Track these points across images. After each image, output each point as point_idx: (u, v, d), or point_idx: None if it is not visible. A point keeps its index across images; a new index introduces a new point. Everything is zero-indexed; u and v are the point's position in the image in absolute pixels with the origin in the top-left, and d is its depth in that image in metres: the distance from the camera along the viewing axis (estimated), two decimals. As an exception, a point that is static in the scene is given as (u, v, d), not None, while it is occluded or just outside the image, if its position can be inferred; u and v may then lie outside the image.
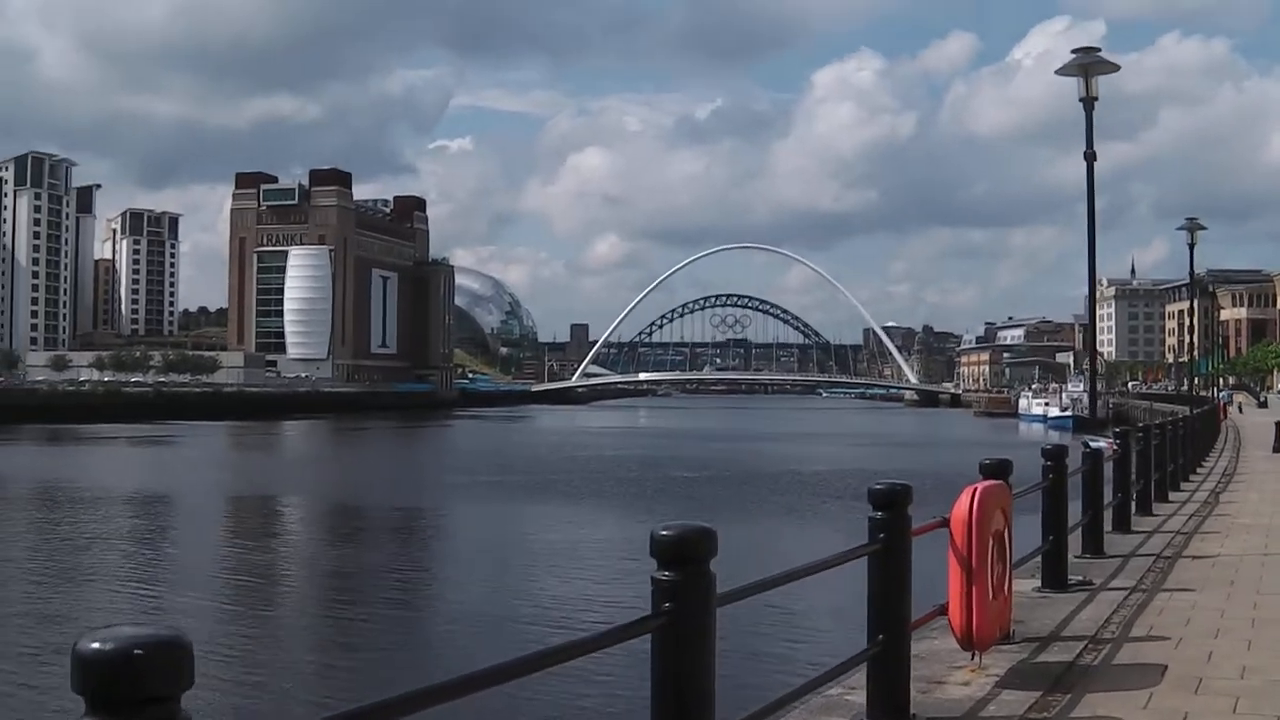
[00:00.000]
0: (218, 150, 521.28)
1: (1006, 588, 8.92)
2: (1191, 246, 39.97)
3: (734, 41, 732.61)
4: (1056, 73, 15.84)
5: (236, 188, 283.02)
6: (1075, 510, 14.97)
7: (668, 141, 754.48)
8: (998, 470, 9.65)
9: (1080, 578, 12.93)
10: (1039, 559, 12.47)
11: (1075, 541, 15.07)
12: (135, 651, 2.57)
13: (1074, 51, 15.93)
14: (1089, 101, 16.02)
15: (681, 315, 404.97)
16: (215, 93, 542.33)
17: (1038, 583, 12.50)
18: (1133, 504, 19.00)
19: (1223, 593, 12.53)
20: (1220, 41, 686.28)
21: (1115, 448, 16.80)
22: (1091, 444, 15.25)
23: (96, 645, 2.58)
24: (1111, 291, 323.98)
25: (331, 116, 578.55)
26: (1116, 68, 16.00)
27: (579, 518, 49.32)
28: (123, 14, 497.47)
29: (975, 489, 8.36)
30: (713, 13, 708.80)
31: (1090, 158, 15.97)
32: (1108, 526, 17.31)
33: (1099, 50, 15.82)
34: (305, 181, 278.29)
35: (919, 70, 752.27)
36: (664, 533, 4.77)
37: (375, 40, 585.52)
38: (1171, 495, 23.83)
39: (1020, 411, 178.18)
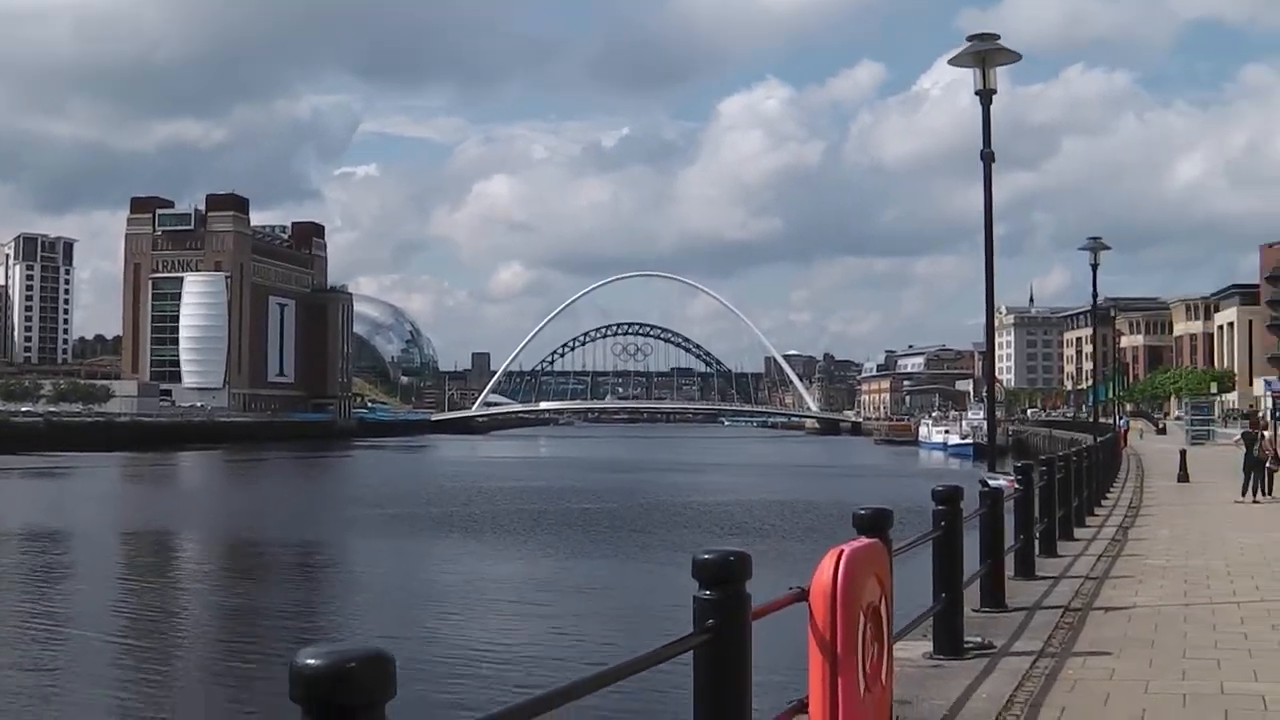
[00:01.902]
0: (122, 175, 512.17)
1: (884, 673, 7.07)
2: (1094, 266, 38.80)
3: (643, 70, 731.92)
4: (950, 62, 14.12)
5: (131, 212, 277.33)
6: (972, 555, 13.27)
7: (575, 169, 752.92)
8: (873, 524, 7.87)
9: (979, 639, 11.16)
10: (930, 619, 10.69)
11: (974, 592, 13.36)
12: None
13: (970, 39, 14.19)
14: (986, 94, 14.31)
15: (583, 344, 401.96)
16: (119, 115, 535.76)
17: (929, 646, 10.72)
18: (1036, 545, 17.32)
19: (1144, 657, 10.80)
20: (1123, 74, 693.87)
21: (1016, 485, 15.07)
22: (990, 482, 13.48)
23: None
24: (1010, 319, 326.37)
25: (238, 141, 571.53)
26: (1017, 56, 14.36)
27: (482, 554, 47.85)
28: (22, 32, 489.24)
29: (841, 553, 6.54)
30: (622, 42, 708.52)
31: (988, 158, 14.26)
32: (1009, 572, 15.62)
33: (997, 37, 14.06)
34: (202, 207, 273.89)
35: (827, 99, 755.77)
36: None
37: (282, 64, 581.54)
38: (1077, 532, 22.26)
39: (921, 439, 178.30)
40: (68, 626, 31.84)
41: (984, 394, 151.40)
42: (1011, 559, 15.88)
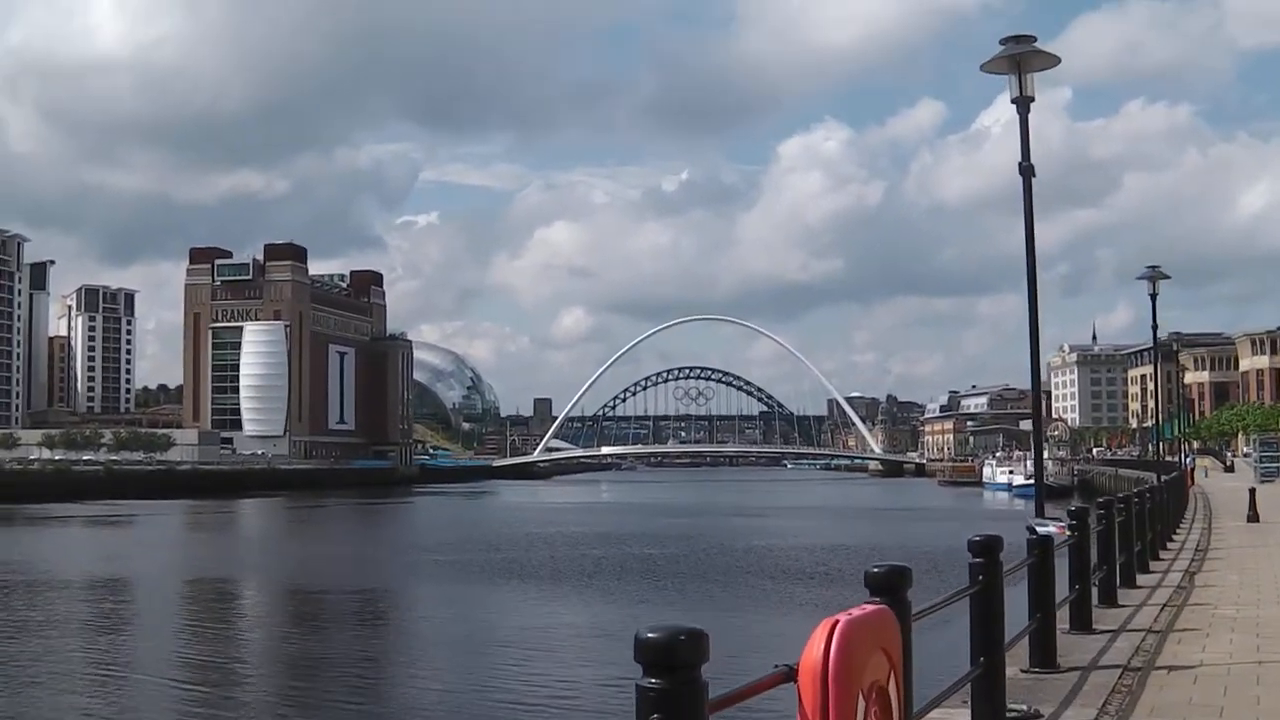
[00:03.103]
0: (186, 226, 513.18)
1: (896, 767, 5.90)
2: (1153, 296, 37.41)
3: (700, 113, 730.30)
4: (982, 68, 12.93)
5: (190, 263, 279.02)
6: (1022, 608, 12.02)
7: (635, 214, 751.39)
8: (887, 585, 6.73)
9: (1024, 708, 9.93)
10: (969, 685, 9.46)
11: (1023, 649, 12.09)
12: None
13: (1003, 42, 13.01)
14: (1023, 101, 13.14)
15: (645, 388, 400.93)
16: (181, 167, 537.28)
17: (967, 717, 9.49)
18: (1094, 594, 16.04)
19: (1211, 728, 9.54)
20: (1185, 107, 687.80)
21: (1067, 531, 13.79)
22: (1039, 529, 12.20)
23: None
24: (1074, 357, 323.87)
25: (300, 191, 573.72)
26: (1055, 60, 13.19)
27: (543, 601, 47.47)
28: (85, 85, 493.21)
29: (836, 624, 5.38)
30: (679, 85, 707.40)
31: (1027, 172, 13.07)
32: (1063, 625, 14.33)
33: (1034, 39, 12.88)
34: (260, 256, 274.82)
35: (886, 139, 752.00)
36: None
37: (343, 113, 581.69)
38: (1140, 579, 20.88)
39: (985, 480, 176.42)
40: (131, 672, 31.99)
41: (1048, 433, 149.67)
42: (1067, 610, 14.64)
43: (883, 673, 5.70)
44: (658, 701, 4.27)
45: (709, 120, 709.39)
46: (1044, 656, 12.06)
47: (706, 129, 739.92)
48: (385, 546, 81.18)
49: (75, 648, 35.92)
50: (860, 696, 5.40)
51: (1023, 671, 11.86)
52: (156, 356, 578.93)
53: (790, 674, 5.35)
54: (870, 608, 5.84)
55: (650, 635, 4.30)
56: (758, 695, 5.29)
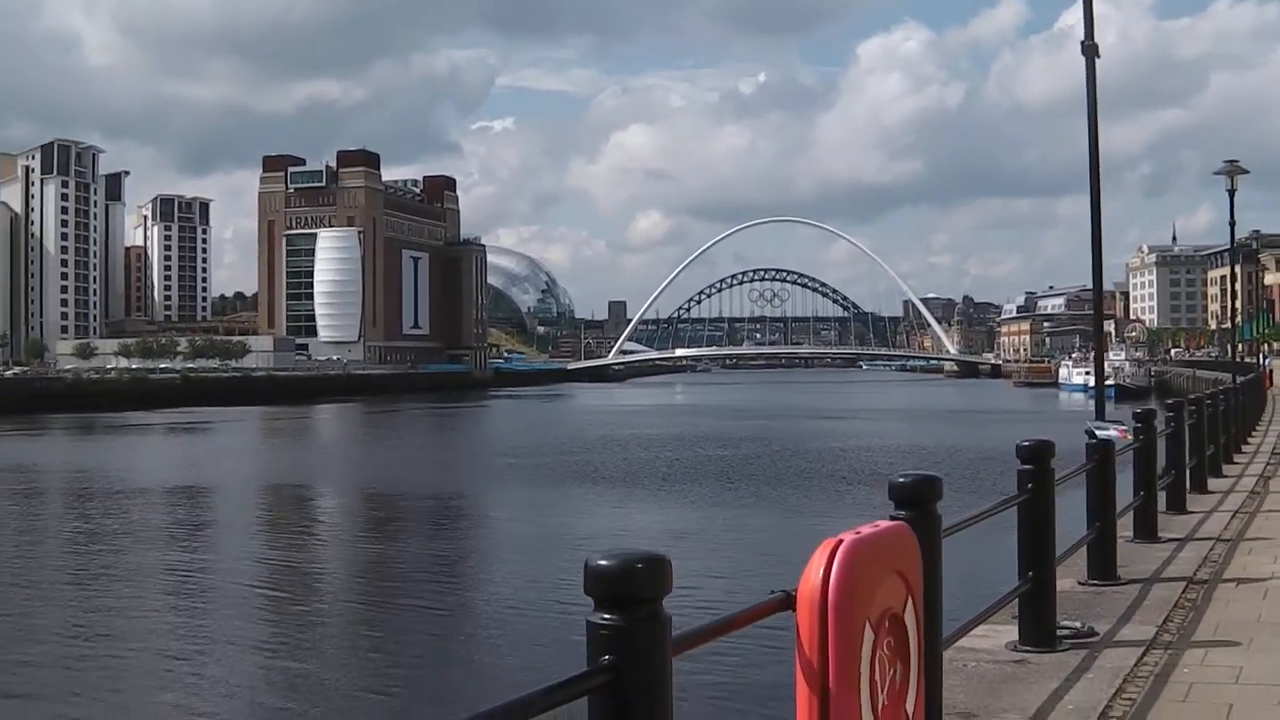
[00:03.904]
0: (263, 135, 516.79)
1: (915, 700, 5.22)
2: (1231, 193, 36.17)
3: (778, 14, 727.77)
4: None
5: (264, 171, 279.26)
6: (1082, 520, 11.34)
7: (713, 117, 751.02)
8: (912, 496, 6.08)
9: (1077, 624, 9.24)
10: (1016, 601, 8.80)
11: (1080, 560, 11.40)
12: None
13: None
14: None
15: (719, 290, 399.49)
16: (258, 77, 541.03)
17: (1014, 634, 8.84)
18: (1161, 501, 15.30)
19: None
20: (1274, 4, 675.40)
21: (1128, 435, 13.03)
22: (1098, 433, 11.47)
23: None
24: (1153, 258, 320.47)
25: (376, 98, 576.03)
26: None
27: (616, 503, 47.39)
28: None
29: (838, 545, 4.71)
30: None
31: (1090, 50, 12.23)
32: (1127, 533, 13.61)
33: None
34: (333, 164, 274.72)
35: (967, 39, 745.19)
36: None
37: (419, 19, 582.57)
38: (1211, 483, 20.07)
39: (1060, 381, 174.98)
40: (207, 579, 32.14)
41: (1127, 333, 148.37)
42: (1132, 517, 13.91)
43: (898, 599, 5.06)
44: (611, 641, 3.67)
45: (786, 21, 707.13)
46: (1103, 568, 11.38)
47: (784, 30, 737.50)
48: (460, 450, 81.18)
49: (152, 557, 35.75)
50: (868, 626, 4.76)
51: (1080, 584, 11.21)
52: (234, 265, 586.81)
53: (788, 600, 4.73)
54: (884, 525, 5.16)
55: (601, 564, 3.70)
56: (754, 623, 4.71)
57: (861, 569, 4.72)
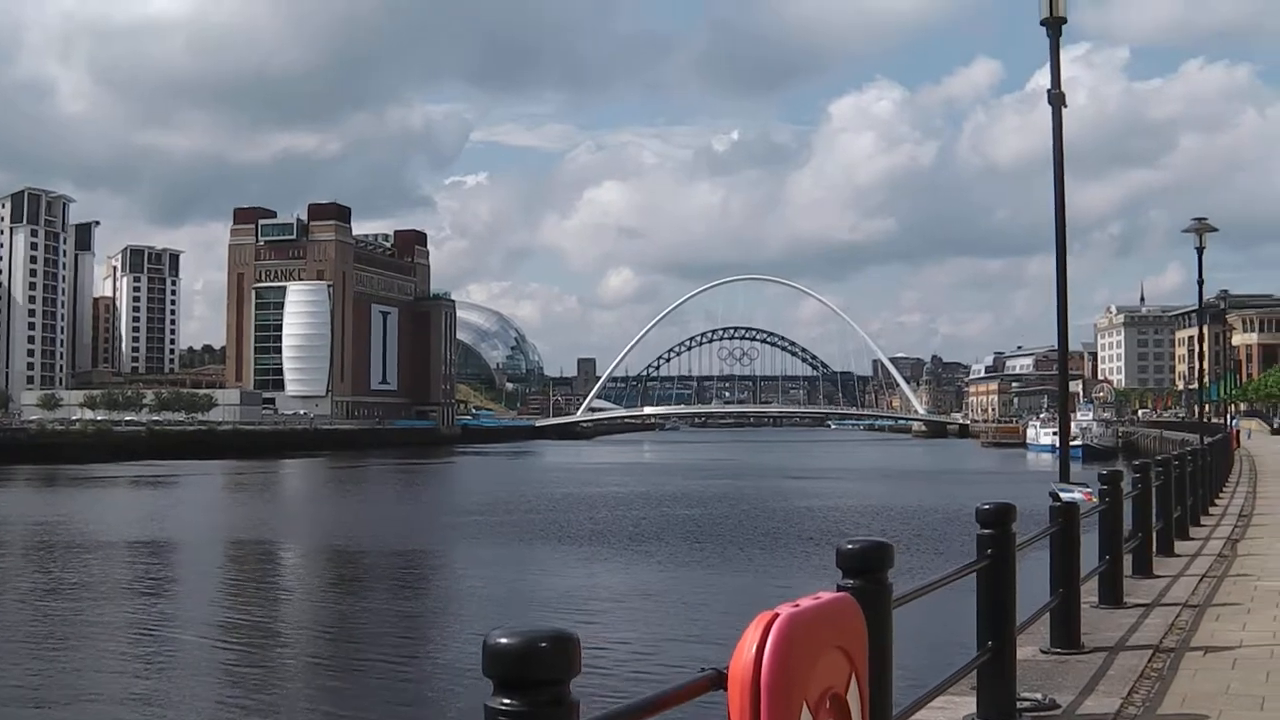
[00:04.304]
0: (238, 186, 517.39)
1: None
2: (1199, 250, 36.08)
3: (752, 72, 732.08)
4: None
5: (234, 223, 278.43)
6: (1045, 585, 10.97)
7: (686, 174, 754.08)
8: (861, 563, 5.71)
9: (1038, 696, 8.86)
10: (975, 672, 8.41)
11: (1044, 628, 11.03)
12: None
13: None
14: (1054, 23, 11.97)
15: (690, 348, 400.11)
16: (235, 127, 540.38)
17: (973, 707, 8.44)
18: (1126, 565, 14.95)
19: (1250, 722, 8.45)
20: (1245, 67, 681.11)
21: (1095, 498, 12.66)
22: (1062, 495, 11.10)
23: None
24: (1121, 318, 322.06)
25: (352, 150, 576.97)
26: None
27: (582, 562, 47.28)
28: (139, 47, 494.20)
29: (773, 620, 4.33)
30: (731, 43, 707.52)
31: (1057, 100, 11.95)
32: (1092, 598, 13.25)
33: None
34: (304, 216, 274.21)
35: (940, 98, 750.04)
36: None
37: (396, 72, 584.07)
38: (1179, 545, 19.75)
39: (1028, 441, 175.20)
40: (169, 634, 31.91)
41: (1094, 395, 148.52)
42: (1095, 582, 13.55)
43: (839, 676, 4.67)
44: (513, 724, 3.26)
45: (760, 79, 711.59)
46: (1066, 636, 10.98)
47: (758, 88, 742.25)
48: (426, 507, 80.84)
49: (114, 610, 35.62)
50: (805, 708, 4.38)
51: (1043, 652, 10.82)
52: (205, 318, 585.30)
53: (719, 679, 4.34)
54: (826, 596, 4.78)
55: (501, 643, 3.30)
56: (682, 705, 4.32)
57: (799, 645, 4.34)
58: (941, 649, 10.88)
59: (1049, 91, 11.99)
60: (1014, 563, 8.44)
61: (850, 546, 5.76)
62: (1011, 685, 8.45)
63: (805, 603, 4.57)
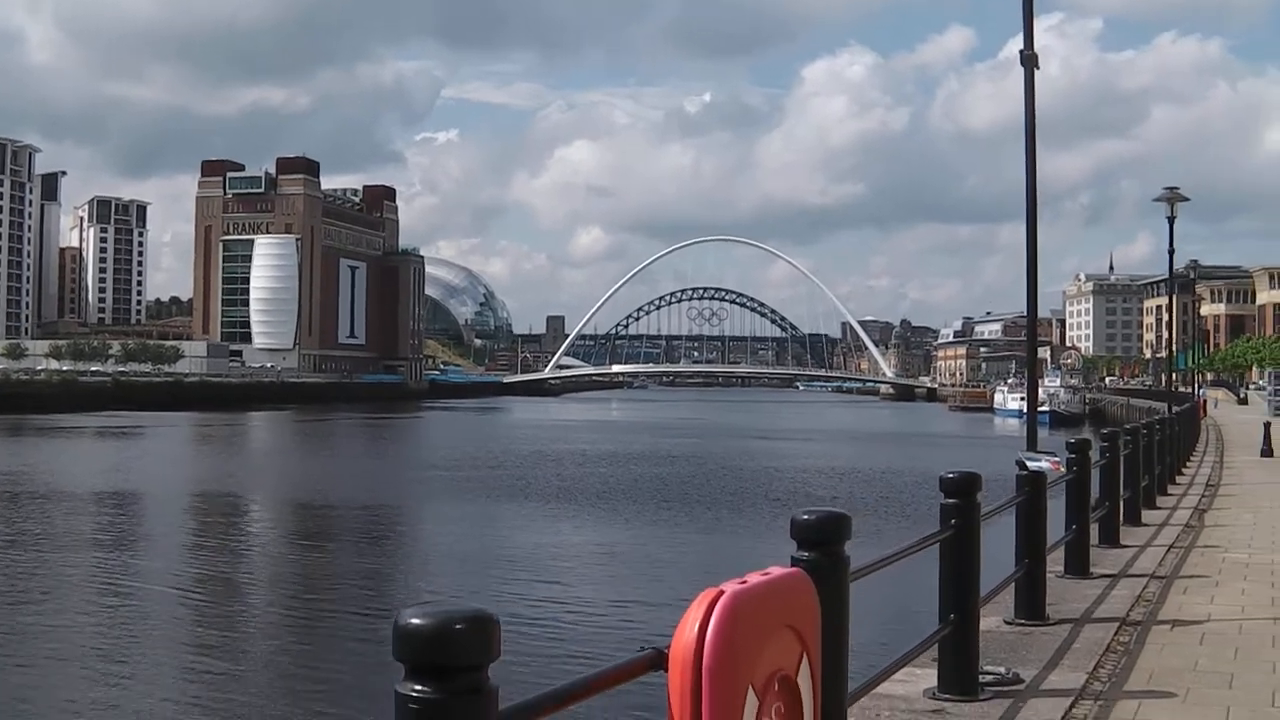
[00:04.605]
0: (206, 139, 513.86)
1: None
2: (1171, 220, 35.85)
3: (724, 35, 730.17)
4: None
5: (202, 175, 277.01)
6: (1010, 555, 10.69)
7: (657, 135, 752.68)
8: (816, 535, 5.41)
9: (1001, 670, 8.57)
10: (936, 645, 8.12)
11: (1008, 599, 10.74)
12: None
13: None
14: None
15: (659, 308, 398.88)
16: (203, 81, 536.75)
17: (934, 680, 8.15)
18: (1093, 534, 14.69)
19: (1219, 700, 8.15)
20: (1217, 41, 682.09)
21: (1063, 467, 12.38)
22: (1030, 464, 10.81)
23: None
24: (1090, 286, 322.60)
25: (321, 106, 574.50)
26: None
27: (548, 520, 46.73)
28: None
29: (717, 598, 4.01)
30: (703, 6, 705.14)
31: (1030, 61, 11.62)
32: (1058, 567, 12.98)
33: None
34: (272, 170, 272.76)
35: (914, 65, 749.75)
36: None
37: (366, 28, 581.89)
38: (1146, 515, 19.52)
39: (995, 406, 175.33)
40: (132, 586, 31.66)
41: (1061, 361, 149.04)
42: (1063, 553, 13.29)
43: (789, 658, 4.35)
44: (423, 718, 2.97)
45: (733, 42, 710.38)
46: (1031, 607, 10.69)
47: (730, 51, 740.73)
48: (392, 462, 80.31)
49: (76, 562, 35.17)
50: (751, 690, 4.06)
51: (1007, 623, 10.54)
52: (172, 270, 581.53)
53: (659, 659, 4.02)
54: (776, 572, 4.44)
55: (412, 623, 2.97)
56: (619, 687, 4.02)
57: (745, 625, 4.02)
58: (904, 619, 10.61)
59: (1021, 52, 11.68)
60: (978, 533, 8.15)
61: (805, 517, 5.45)
62: (974, 659, 8.18)
63: (753, 579, 4.24)
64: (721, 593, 4.01)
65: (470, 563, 36.60)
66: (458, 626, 3.01)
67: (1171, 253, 38.16)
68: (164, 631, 26.15)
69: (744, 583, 4.16)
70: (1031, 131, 11.59)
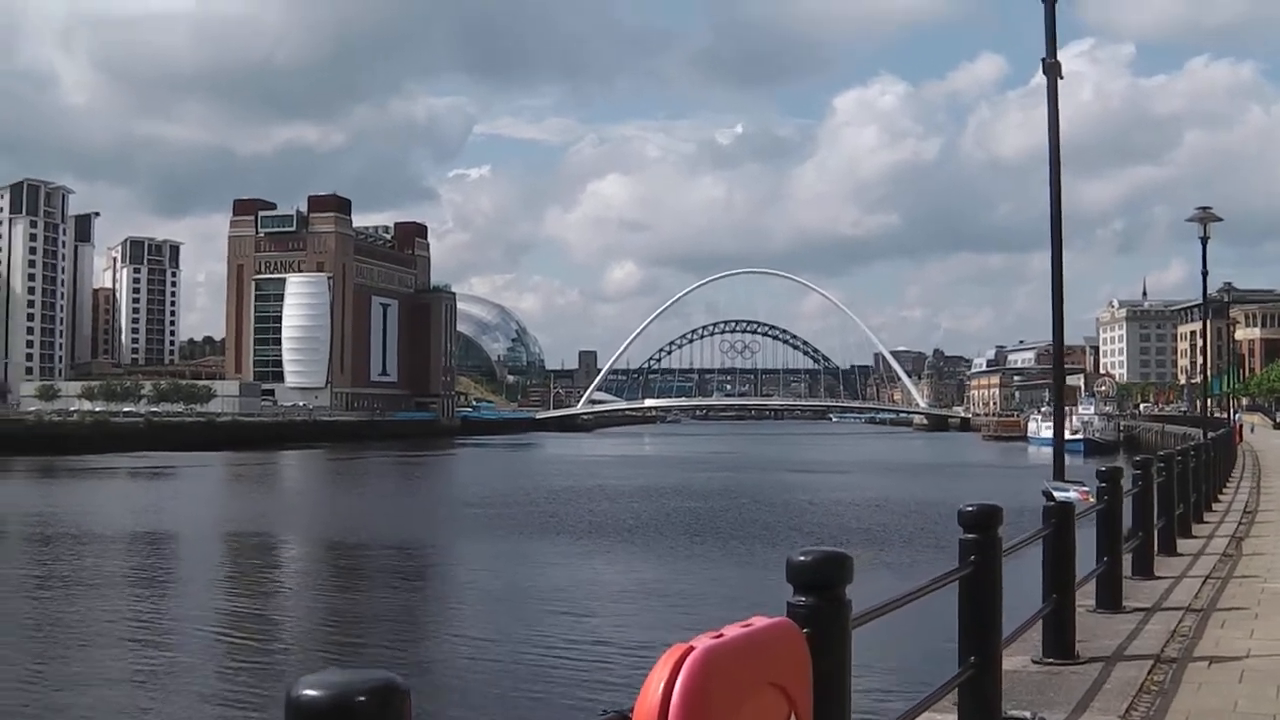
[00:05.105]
0: (239, 179, 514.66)
1: None
2: (1204, 240, 35.29)
3: (755, 66, 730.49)
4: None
5: (234, 214, 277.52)
6: (1034, 585, 10.20)
7: (688, 167, 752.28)
8: (816, 578, 4.94)
9: (1027, 715, 8.07)
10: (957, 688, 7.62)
11: (1036, 636, 10.24)
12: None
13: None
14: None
15: (691, 341, 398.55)
16: (238, 119, 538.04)
17: (954, 724, 7.67)
18: (1126, 565, 14.16)
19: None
20: (1249, 64, 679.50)
21: (1093, 497, 11.85)
22: (1057, 494, 10.29)
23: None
24: (1123, 313, 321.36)
25: (355, 143, 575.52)
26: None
27: (580, 556, 46.79)
28: (142, 36, 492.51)
29: (686, 654, 3.54)
30: (733, 36, 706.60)
31: (1053, 70, 11.17)
32: (1089, 602, 12.46)
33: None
34: (304, 208, 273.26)
35: (945, 93, 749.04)
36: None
37: (399, 65, 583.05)
38: (1181, 545, 18.93)
39: (1029, 435, 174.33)
40: (166, 627, 31.65)
41: (1096, 388, 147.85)
42: (1093, 585, 12.76)
43: (777, 717, 3.89)
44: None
45: (763, 73, 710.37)
46: (1060, 646, 10.17)
47: (761, 81, 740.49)
48: (425, 500, 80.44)
49: (107, 603, 35.04)
50: (730, 759, 3.60)
51: (1035, 662, 10.03)
52: (206, 309, 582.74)
53: (622, 721, 3.57)
54: (760, 624, 3.97)
55: (307, 695, 2.50)
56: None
57: (719, 685, 3.56)
58: (927, 658, 10.10)
59: (1043, 61, 11.23)
60: (999, 570, 7.66)
61: (802, 559, 4.98)
62: (996, 704, 7.68)
63: (731, 632, 3.78)
64: (691, 649, 3.55)
65: (501, 601, 36.40)
66: (359, 699, 2.55)
67: (1205, 274, 37.65)
68: (194, 673, 26.05)
69: (719, 636, 3.70)
70: (1055, 143, 11.14)
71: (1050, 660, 10.07)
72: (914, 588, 6.48)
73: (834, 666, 4.76)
